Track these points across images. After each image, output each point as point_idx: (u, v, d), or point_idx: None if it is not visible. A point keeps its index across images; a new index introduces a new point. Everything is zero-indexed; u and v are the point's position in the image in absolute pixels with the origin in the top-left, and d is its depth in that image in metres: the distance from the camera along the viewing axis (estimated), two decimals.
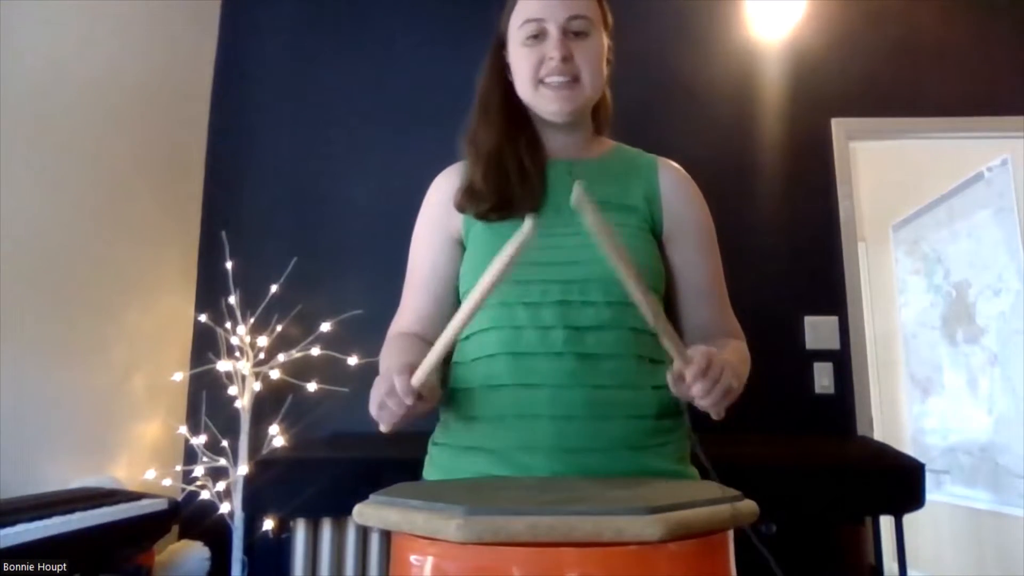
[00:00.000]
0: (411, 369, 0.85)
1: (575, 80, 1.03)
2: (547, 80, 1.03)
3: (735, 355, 0.98)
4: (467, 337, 1.02)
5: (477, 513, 0.61)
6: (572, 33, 1.02)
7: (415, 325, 1.07)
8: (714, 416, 0.84)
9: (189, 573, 2.22)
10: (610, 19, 1.09)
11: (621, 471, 0.91)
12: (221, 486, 2.35)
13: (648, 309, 0.77)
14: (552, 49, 1.01)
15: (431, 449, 1.05)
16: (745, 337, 1.08)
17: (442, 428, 1.05)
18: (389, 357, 1.01)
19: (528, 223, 0.73)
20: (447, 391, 1.03)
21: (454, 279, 1.07)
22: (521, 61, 1.04)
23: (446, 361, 1.06)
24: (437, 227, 1.09)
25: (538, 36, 1.02)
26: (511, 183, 1.02)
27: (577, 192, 0.71)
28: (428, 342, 1.03)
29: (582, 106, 1.06)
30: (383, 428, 0.87)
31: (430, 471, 1.04)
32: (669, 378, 0.83)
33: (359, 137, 2.85)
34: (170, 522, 2.03)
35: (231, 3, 2.98)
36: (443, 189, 1.10)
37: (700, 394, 0.80)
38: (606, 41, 1.07)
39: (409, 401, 0.83)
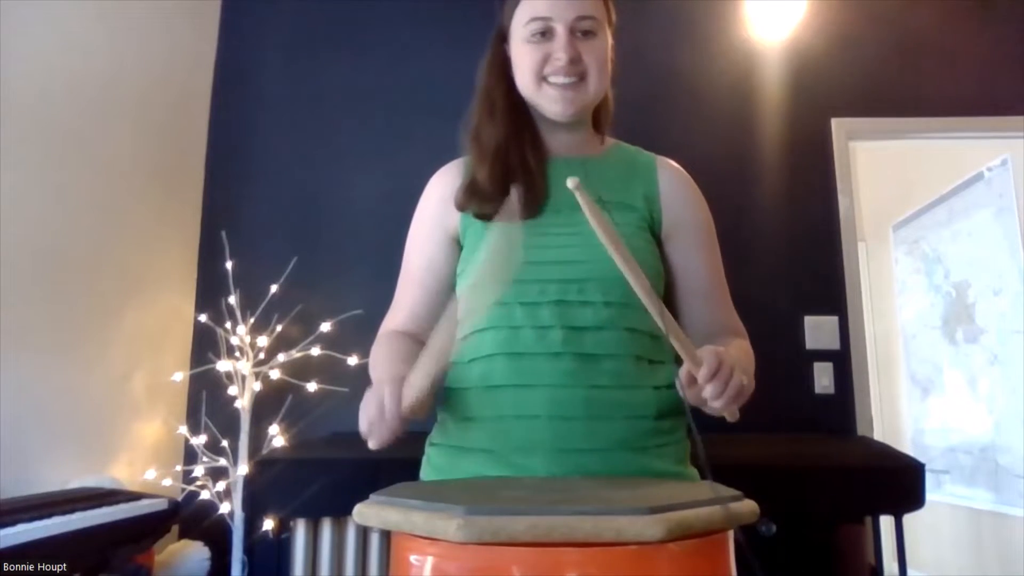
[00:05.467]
0: (401, 384, 0.84)
1: (581, 80, 1.02)
2: (551, 79, 1.02)
3: (741, 353, 0.97)
4: (464, 337, 1.01)
5: (477, 513, 0.61)
6: (580, 32, 1.01)
7: (408, 322, 1.07)
8: (729, 418, 0.84)
9: (189, 573, 2.22)
10: (614, 18, 1.08)
11: (620, 472, 0.90)
12: (221, 486, 2.35)
13: (654, 308, 0.76)
14: (559, 50, 1.00)
15: (428, 450, 1.05)
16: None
17: (439, 429, 1.04)
18: (380, 362, 1.00)
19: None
20: (443, 392, 1.03)
21: (450, 277, 1.06)
22: (524, 57, 1.03)
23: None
24: (434, 224, 1.08)
25: (544, 34, 1.01)
26: (516, 182, 1.01)
27: (573, 183, 0.69)
28: (420, 341, 1.02)
29: (586, 107, 1.05)
30: (372, 445, 0.86)
31: (427, 471, 1.03)
32: (678, 381, 0.82)
33: (359, 137, 2.85)
34: (170, 522, 2.03)
35: (231, 3, 2.98)
36: (441, 186, 1.10)
37: (713, 395, 0.79)
38: (610, 40, 1.07)
39: (398, 427, 0.83)
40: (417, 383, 0.84)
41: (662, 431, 0.96)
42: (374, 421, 0.84)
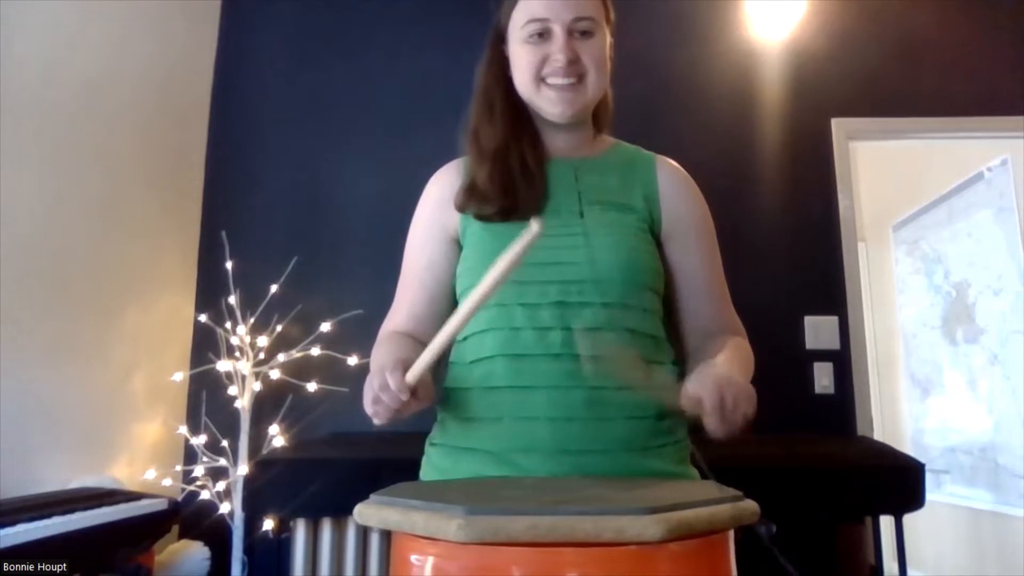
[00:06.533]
0: (404, 364, 0.84)
1: (579, 81, 1.02)
2: (550, 80, 1.02)
3: (739, 355, 0.97)
4: (465, 338, 1.01)
5: (478, 513, 0.61)
6: (577, 33, 1.01)
7: (408, 324, 1.06)
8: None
9: (189, 573, 2.22)
10: (613, 16, 1.08)
11: (620, 472, 0.90)
12: (221, 486, 2.35)
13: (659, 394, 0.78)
14: (557, 51, 1.00)
15: (428, 450, 1.05)
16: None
17: (440, 429, 1.04)
18: (381, 355, 1.00)
19: (535, 225, 0.73)
20: (443, 390, 1.03)
21: (450, 278, 1.06)
22: (522, 58, 1.03)
23: (442, 360, 1.06)
24: (434, 225, 1.08)
25: (542, 35, 1.01)
26: (516, 184, 1.01)
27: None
28: (421, 342, 1.02)
29: (585, 107, 1.05)
30: (377, 421, 0.86)
31: (427, 472, 1.03)
32: (684, 401, 0.82)
33: (359, 137, 2.85)
34: (170, 522, 2.03)
35: (231, 3, 2.98)
36: (441, 186, 1.09)
37: (715, 430, 0.80)
38: (609, 39, 1.07)
39: (404, 397, 0.82)
40: (423, 359, 0.84)
41: (662, 431, 0.96)
42: (378, 393, 0.83)
